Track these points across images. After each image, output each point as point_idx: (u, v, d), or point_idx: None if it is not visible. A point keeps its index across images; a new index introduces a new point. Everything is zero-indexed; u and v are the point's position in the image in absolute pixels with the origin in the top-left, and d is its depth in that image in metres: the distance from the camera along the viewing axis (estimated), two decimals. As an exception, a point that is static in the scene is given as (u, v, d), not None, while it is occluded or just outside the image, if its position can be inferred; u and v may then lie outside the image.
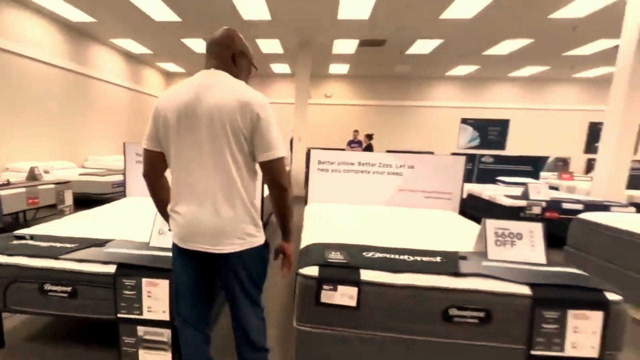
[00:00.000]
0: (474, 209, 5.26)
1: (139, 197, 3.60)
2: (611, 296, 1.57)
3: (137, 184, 3.74)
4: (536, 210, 4.44)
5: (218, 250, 1.35)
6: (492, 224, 1.90)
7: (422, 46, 8.04)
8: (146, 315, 1.86)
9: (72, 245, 2.00)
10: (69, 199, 4.63)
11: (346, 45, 8.29)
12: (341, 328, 1.70)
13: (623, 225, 2.81)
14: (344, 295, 1.68)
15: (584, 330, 1.57)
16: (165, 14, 6.47)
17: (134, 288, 1.84)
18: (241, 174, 1.33)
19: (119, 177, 5.85)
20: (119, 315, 1.86)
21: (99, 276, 1.85)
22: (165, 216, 1.50)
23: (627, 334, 2.42)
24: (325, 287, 1.69)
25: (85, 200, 5.21)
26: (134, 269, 1.84)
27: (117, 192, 5.72)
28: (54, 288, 1.89)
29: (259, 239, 1.40)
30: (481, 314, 1.60)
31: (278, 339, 2.28)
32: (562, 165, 8.92)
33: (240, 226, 1.35)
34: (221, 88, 1.31)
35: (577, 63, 8.75)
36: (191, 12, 6.37)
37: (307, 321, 1.73)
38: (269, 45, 8.43)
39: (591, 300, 1.56)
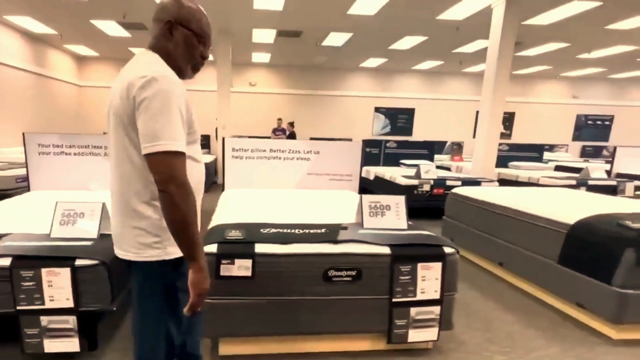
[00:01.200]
0: (379, 189, 5.88)
1: (44, 191, 3.42)
2: (447, 250, 2.05)
3: (42, 177, 3.53)
4: (426, 187, 5.15)
5: (117, 253, 1.23)
6: (367, 199, 2.30)
7: (335, 39, 8.47)
8: (49, 305, 1.89)
9: (-41, 242, 1.94)
10: (-38, 195, 4.13)
11: (265, 35, 8.38)
12: (240, 297, 1.96)
13: (480, 196, 3.50)
14: (241, 268, 1.93)
15: (429, 278, 2.03)
16: (68, -9, 5.90)
17: (33, 279, 1.86)
18: (138, 171, 1.11)
19: (24, 171, 5.32)
20: (18, 307, 1.88)
21: (-7, 270, 1.84)
22: None
23: (472, 275, 3.07)
24: (223, 261, 1.92)
25: (-17, 197, 4.66)
26: (33, 260, 1.86)
27: (22, 187, 5.17)
28: (-64, 287, 1.83)
29: (158, 252, 1.15)
30: (354, 273, 1.98)
31: (188, 316, 2.46)
32: (457, 148, 10.15)
33: (131, 232, 1.15)
34: (124, 71, 1.13)
35: (463, 59, 9.99)
36: (98, -9, 5.92)
37: (209, 294, 1.94)
38: (187, 32, 8.16)
39: (433, 254, 2.03)
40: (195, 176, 1.22)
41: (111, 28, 7.96)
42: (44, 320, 1.91)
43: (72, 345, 1.94)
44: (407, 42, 8.49)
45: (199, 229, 1.11)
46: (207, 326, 1.98)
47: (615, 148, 6.84)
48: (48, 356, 1.96)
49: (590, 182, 5.45)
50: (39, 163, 3.50)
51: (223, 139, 3.92)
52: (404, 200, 2.32)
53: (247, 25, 7.68)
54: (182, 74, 1.20)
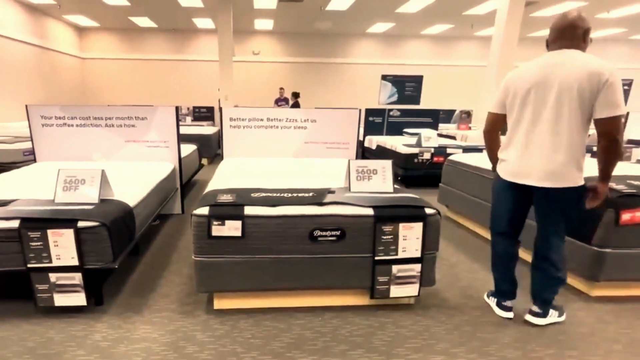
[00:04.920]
0: (381, 158, 5.88)
1: (50, 162, 3.57)
2: (428, 211, 2.12)
3: (47, 148, 3.67)
4: (427, 155, 5.16)
5: (549, 184, 1.84)
6: (354, 164, 2.36)
7: (340, 2, 8.23)
8: (56, 263, 2.06)
9: (-30, 206, 2.09)
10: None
11: (267, 0, 8.18)
12: (230, 255, 2.08)
13: (474, 162, 3.52)
14: (231, 228, 2.05)
15: (410, 237, 2.12)
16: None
17: (40, 239, 2.01)
18: (581, 133, 1.76)
19: (31, 144, 5.49)
20: (28, 265, 2.05)
21: (3, 231, 2.00)
22: (494, 160, 2.12)
23: (463, 240, 3.15)
24: (214, 222, 2.04)
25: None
26: (39, 222, 2.01)
27: (29, 160, 5.37)
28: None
29: (579, 180, 1.82)
30: (338, 233, 2.08)
31: (190, 276, 2.64)
32: (465, 117, 9.98)
33: (570, 171, 1.80)
34: (570, 63, 1.72)
35: (475, 22, 9.61)
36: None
37: (202, 253, 2.08)
38: (188, -2, 8.03)
39: (415, 215, 2.10)
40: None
41: (110, -4, 7.90)
42: (53, 277, 2.08)
43: (79, 299, 2.12)
44: (415, 4, 8.20)
45: None
46: (202, 282, 2.14)
47: (627, 114, 6.65)
48: (58, 309, 2.16)
49: (595, 148, 5.35)
50: (43, 135, 3.64)
51: (220, 108, 3.97)
52: (390, 165, 2.38)
53: (248, -10, 7.52)
54: None
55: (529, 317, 2.11)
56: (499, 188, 2.08)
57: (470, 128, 8.79)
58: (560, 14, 1.82)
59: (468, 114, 11.09)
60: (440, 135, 7.39)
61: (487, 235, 3.42)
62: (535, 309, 2.10)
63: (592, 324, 2.10)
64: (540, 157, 1.84)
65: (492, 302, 2.27)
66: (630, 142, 6.35)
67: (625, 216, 2.21)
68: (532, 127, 1.85)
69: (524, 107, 1.86)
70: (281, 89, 9.85)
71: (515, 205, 2.05)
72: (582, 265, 2.34)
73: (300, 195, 2.24)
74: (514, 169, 1.94)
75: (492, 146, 2.13)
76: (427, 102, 12.12)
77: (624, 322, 2.13)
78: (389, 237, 2.11)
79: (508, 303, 2.19)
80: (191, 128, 7.83)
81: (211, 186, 2.62)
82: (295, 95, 9.87)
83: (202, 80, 11.84)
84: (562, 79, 1.72)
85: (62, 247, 2.05)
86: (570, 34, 1.77)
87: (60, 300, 2.12)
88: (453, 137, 7.67)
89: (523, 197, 2.01)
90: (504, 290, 2.19)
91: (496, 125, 2.04)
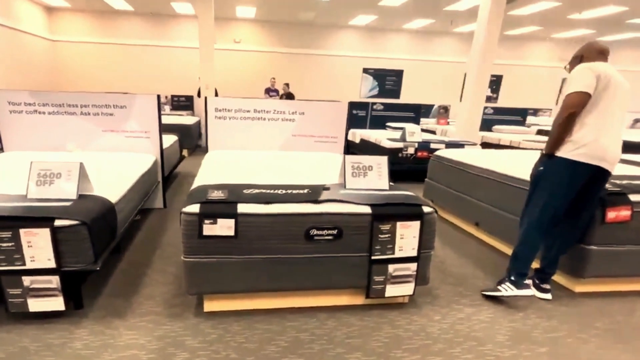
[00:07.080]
0: (365, 152, 5.89)
1: (19, 152, 3.30)
2: (426, 209, 2.10)
3: (16, 137, 3.39)
4: (411, 150, 5.18)
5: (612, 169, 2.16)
6: (349, 159, 2.30)
7: (322, -8, 8.09)
8: (30, 265, 1.89)
9: None
10: None
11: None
12: (223, 255, 1.99)
13: (460, 158, 3.55)
14: (223, 227, 1.95)
15: (407, 236, 2.10)
16: None
17: (12, 240, 1.84)
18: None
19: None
20: (-1, 268, 1.88)
21: (-33, 232, 1.81)
22: (560, 144, 2.13)
23: (450, 235, 3.16)
24: (206, 221, 1.93)
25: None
26: (9, 221, 1.84)
27: (-4, 150, 5.00)
28: None
29: None
30: (334, 232, 2.03)
31: (176, 275, 2.52)
32: (443, 112, 10.13)
33: None
34: (621, 76, 2.11)
35: (455, 17, 9.72)
36: None
37: (192, 253, 1.97)
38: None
39: (412, 213, 2.08)
40: None
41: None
42: (27, 280, 1.91)
43: (57, 304, 1.96)
44: (396, -2, 8.18)
45: None
46: (193, 284, 2.04)
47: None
48: (33, 315, 2.00)
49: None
50: (11, 122, 3.37)
51: (205, 98, 3.81)
52: (386, 161, 2.34)
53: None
54: None
55: (548, 295, 2.39)
56: (567, 171, 2.14)
57: (448, 123, 8.94)
58: (595, 41, 2.26)
59: (446, 109, 11.26)
60: (421, 130, 7.46)
61: (473, 230, 3.46)
62: (548, 286, 2.42)
63: (578, 321, 2.16)
64: (617, 145, 2.12)
65: (524, 290, 2.33)
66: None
67: (611, 214, 2.28)
68: (612, 117, 2.08)
69: (608, 98, 2.06)
70: (272, 79, 9.58)
71: (580, 188, 2.18)
72: (568, 263, 2.40)
73: (294, 192, 2.16)
74: (596, 153, 2.08)
75: (570, 128, 2.11)
76: (406, 96, 12.21)
77: (608, 319, 2.20)
78: (387, 235, 2.08)
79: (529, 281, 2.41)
80: (171, 118, 7.53)
81: (199, 181, 2.49)
82: (287, 85, 9.61)
83: (181, 67, 11.39)
84: (623, 87, 2.11)
85: (37, 247, 1.89)
86: (607, 55, 2.18)
87: (35, 305, 1.96)
88: (433, 132, 7.76)
89: (584, 181, 2.16)
90: (526, 273, 2.34)
91: (582, 105, 2.06)
